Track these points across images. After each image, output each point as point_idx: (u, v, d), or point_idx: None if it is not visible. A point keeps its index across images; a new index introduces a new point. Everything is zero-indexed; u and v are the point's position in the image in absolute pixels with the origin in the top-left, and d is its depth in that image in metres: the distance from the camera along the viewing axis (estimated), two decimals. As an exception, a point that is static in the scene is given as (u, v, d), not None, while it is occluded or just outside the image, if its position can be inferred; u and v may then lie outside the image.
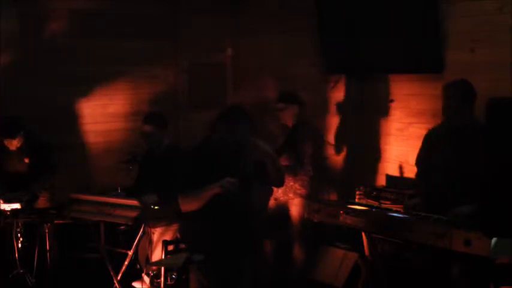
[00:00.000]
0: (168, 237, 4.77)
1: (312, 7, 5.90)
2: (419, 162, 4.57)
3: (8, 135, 5.41)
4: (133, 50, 6.67)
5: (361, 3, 5.47)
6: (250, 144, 3.71)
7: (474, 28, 4.77)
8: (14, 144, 5.43)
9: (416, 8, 5.02)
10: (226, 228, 3.75)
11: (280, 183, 4.16)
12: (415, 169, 4.70)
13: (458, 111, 4.23)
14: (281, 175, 3.98)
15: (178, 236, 4.59)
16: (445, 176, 4.20)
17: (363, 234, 4.66)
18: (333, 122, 6.10)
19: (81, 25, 6.40)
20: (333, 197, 6.03)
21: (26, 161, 5.48)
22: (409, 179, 5.31)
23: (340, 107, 6.03)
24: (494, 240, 3.41)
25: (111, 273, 4.96)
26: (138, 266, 5.17)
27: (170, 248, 4.28)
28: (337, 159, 6.09)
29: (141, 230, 4.92)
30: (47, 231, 5.14)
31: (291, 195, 5.41)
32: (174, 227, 4.87)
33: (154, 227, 4.96)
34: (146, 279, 4.93)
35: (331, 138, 6.11)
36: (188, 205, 3.76)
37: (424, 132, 5.12)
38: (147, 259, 5.00)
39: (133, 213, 4.73)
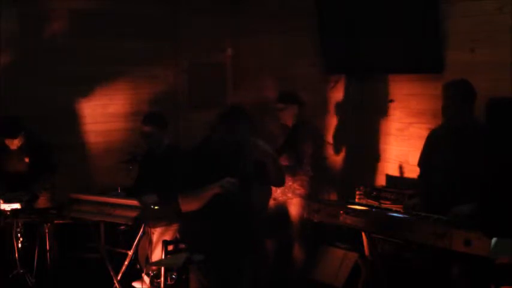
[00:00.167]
0: (168, 237, 4.77)
1: (312, 7, 5.91)
2: (421, 163, 4.56)
3: (9, 135, 5.41)
4: (133, 50, 6.67)
5: (361, 3, 5.47)
6: (250, 144, 3.71)
7: (474, 28, 4.77)
8: (14, 143, 5.43)
9: (416, 8, 5.02)
10: (226, 228, 3.75)
11: (280, 183, 4.16)
12: (415, 169, 4.70)
13: (458, 111, 4.23)
14: (281, 175, 3.98)
15: (178, 236, 4.59)
16: (445, 176, 4.20)
17: (363, 234, 4.66)
18: (333, 122, 6.10)
19: (81, 25, 6.40)
20: (333, 197, 6.03)
21: (26, 160, 5.48)
22: (409, 179, 5.32)
23: (340, 107, 6.03)
24: (494, 240, 3.41)
25: (111, 273, 4.96)
26: (138, 266, 5.17)
27: (170, 248, 4.28)
28: (337, 159, 6.09)
29: (141, 230, 4.92)
30: (47, 231, 5.14)
31: (289, 195, 5.41)
32: (174, 227, 4.87)
33: (154, 227, 4.96)
34: (146, 279, 4.93)
35: (331, 138, 6.12)
36: (188, 205, 3.76)
37: (424, 132, 5.12)
38: (147, 259, 5.00)
39: (133, 213, 4.73)
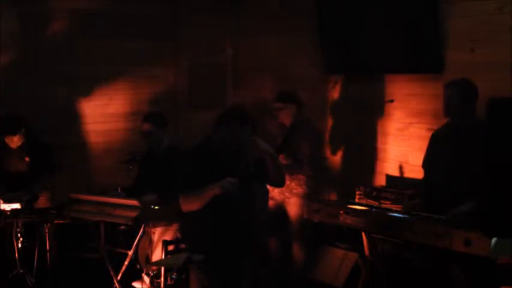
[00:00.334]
0: (168, 237, 4.77)
1: (312, 7, 5.91)
2: (423, 164, 4.55)
3: (8, 132, 5.40)
4: (133, 50, 6.67)
5: (361, 3, 5.47)
6: (250, 143, 3.71)
7: (474, 28, 4.78)
8: (14, 142, 5.42)
9: (416, 8, 5.02)
10: (226, 228, 3.75)
11: (281, 183, 4.14)
12: (415, 169, 4.71)
13: (459, 111, 4.22)
14: (281, 174, 3.98)
15: (179, 235, 4.59)
16: (446, 176, 4.20)
17: (363, 234, 4.66)
18: (333, 122, 6.10)
19: (81, 25, 6.39)
20: (333, 197, 6.03)
21: (27, 160, 5.48)
22: (409, 179, 5.32)
23: (340, 107, 6.03)
24: (494, 240, 3.41)
25: (111, 273, 4.96)
26: (138, 266, 5.17)
27: (170, 248, 4.28)
28: (337, 159, 6.09)
29: (141, 230, 4.92)
30: (47, 231, 5.14)
31: (287, 194, 5.40)
32: (174, 226, 4.87)
33: (155, 227, 4.96)
34: (146, 279, 4.93)
35: (330, 138, 6.11)
36: (189, 205, 3.76)
37: (424, 132, 5.14)
38: (147, 259, 5.00)
39: (133, 213, 4.73)
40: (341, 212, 4.36)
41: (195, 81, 7.16)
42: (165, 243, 4.29)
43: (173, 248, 4.31)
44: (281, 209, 5.47)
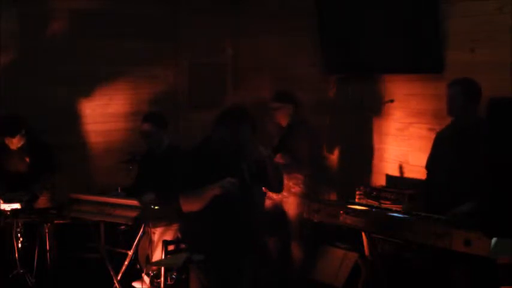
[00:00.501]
0: (168, 237, 4.78)
1: (312, 7, 5.91)
2: (427, 165, 4.54)
3: (7, 133, 5.40)
4: (133, 50, 6.67)
5: (360, 3, 5.47)
6: (251, 144, 3.72)
7: (474, 28, 4.78)
8: (14, 143, 5.42)
9: (416, 8, 5.02)
10: (226, 228, 3.75)
11: (279, 188, 4.13)
12: (415, 169, 4.71)
13: (463, 111, 4.22)
14: (281, 179, 4.00)
15: (179, 235, 4.59)
16: (448, 176, 4.19)
17: (363, 234, 4.66)
18: (333, 122, 6.10)
19: (81, 25, 6.39)
20: (333, 197, 6.03)
21: (27, 160, 5.48)
22: (409, 179, 5.32)
23: (340, 107, 6.03)
24: (494, 240, 3.41)
25: (111, 273, 4.96)
26: (138, 266, 5.17)
27: (170, 248, 4.28)
28: (337, 159, 6.09)
29: (141, 230, 4.92)
30: (47, 231, 5.14)
31: (285, 193, 5.39)
32: (175, 227, 4.87)
33: (155, 227, 4.96)
34: (146, 279, 4.93)
35: (330, 138, 6.11)
36: (190, 205, 3.76)
37: (424, 132, 5.14)
38: (147, 259, 5.00)
39: (133, 213, 4.73)
40: (341, 212, 4.37)
41: (195, 81, 7.16)
42: (165, 243, 4.29)
43: (173, 248, 4.32)
44: (279, 208, 5.47)
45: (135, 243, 4.95)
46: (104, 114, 6.66)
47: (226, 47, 7.29)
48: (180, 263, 3.83)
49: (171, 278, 4.25)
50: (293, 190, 5.40)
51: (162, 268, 4.31)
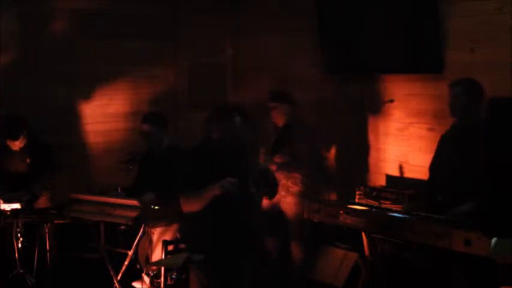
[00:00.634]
0: (168, 237, 4.77)
1: (312, 7, 5.90)
2: (431, 166, 4.53)
3: (10, 136, 5.40)
4: (133, 50, 6.67)
5: (360, 3, 5.47)
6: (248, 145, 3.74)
7: (474, 28, 4.77)
8: (16, 145, 5.43)
9: (416, 8, 5.02)
10: (226, 228, 3.76)
11: (273, 195, 4.16)
12: (415, 169, 4.71)
13: (465, 111, 4.21)
14: (276, 187, 4.03)
15: (178, 236, 4.59)
16: (449, 176, 4.19)
17: (363, 234, 4.66)
18: (333, 122, 6.10)
19: (81, 25, 6.40)
20: (333, 197, 6.03)
21: (28, 161, 5.48)
22: (409, 179, 5.32)
23: (340, 107, 6.03)
24: (494, 240, 3.41)
25: (111, 273, 4.96)
26: (138, 266, 5.17)
27: (170, 248, 4.28)
28: (337, 159, 6.08)
29: (141, 230, 4.92)
30: (47, 231, 5.14)
31: (283, 193, 5.39)
32: (174, 227, 4.87)
33: (154, 227, 4.96)
34: (146, 279, 4.92)
35: (330, 138, 6.11)
36: (190, 206, 3.76)
37: (424, 132, 5.14)
38: (147, 259, 5.00)
39: (133, 213, 4.73)
40: (341, 212, 4.36)
41: (195, 81, 7.16)
42: (165, 243, 4.29)
43: (173, 248, 4.31)
44: (276, 208, 5.46)
45: (135, 243, 4.95)
46: (104, 114, 6.66)
47: (226, 47, 7.29)
48: (180, 263, 3.83)
49: (171, 278, 4.24)
50: (291, 189, 5.40)
51: (162, 268, 4.30)
